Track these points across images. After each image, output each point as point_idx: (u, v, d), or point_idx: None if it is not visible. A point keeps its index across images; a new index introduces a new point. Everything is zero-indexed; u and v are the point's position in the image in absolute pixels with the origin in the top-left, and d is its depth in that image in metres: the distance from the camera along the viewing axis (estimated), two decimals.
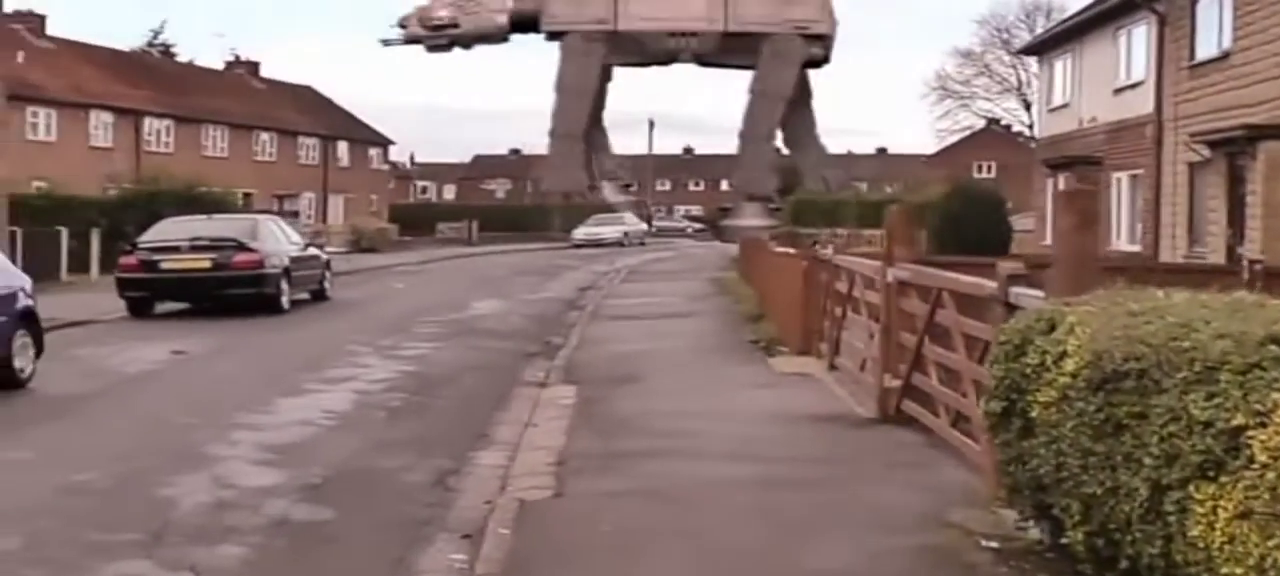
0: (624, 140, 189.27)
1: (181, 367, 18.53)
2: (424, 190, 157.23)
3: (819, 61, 72.72)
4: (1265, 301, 6.71)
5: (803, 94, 72.28)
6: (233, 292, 26.42)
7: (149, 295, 26.74)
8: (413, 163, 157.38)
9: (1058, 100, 36.18)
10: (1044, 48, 38.53)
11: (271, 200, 77.15)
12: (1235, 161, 24.55)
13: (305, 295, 29.87)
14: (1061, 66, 35.79)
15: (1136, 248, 29.57)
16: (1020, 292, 9.06)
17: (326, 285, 31.16)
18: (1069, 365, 6.79)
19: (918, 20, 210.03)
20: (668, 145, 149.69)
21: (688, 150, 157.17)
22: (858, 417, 13.39)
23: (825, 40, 67.85)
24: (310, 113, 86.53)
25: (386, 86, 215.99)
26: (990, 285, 9.69)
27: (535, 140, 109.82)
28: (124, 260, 27.38)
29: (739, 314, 26.05)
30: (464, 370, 18.34)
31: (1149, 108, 28.73)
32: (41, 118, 59.40)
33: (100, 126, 64.66)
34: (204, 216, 28.74)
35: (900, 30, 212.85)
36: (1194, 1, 26.61)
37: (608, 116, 67.30)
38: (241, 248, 26.64)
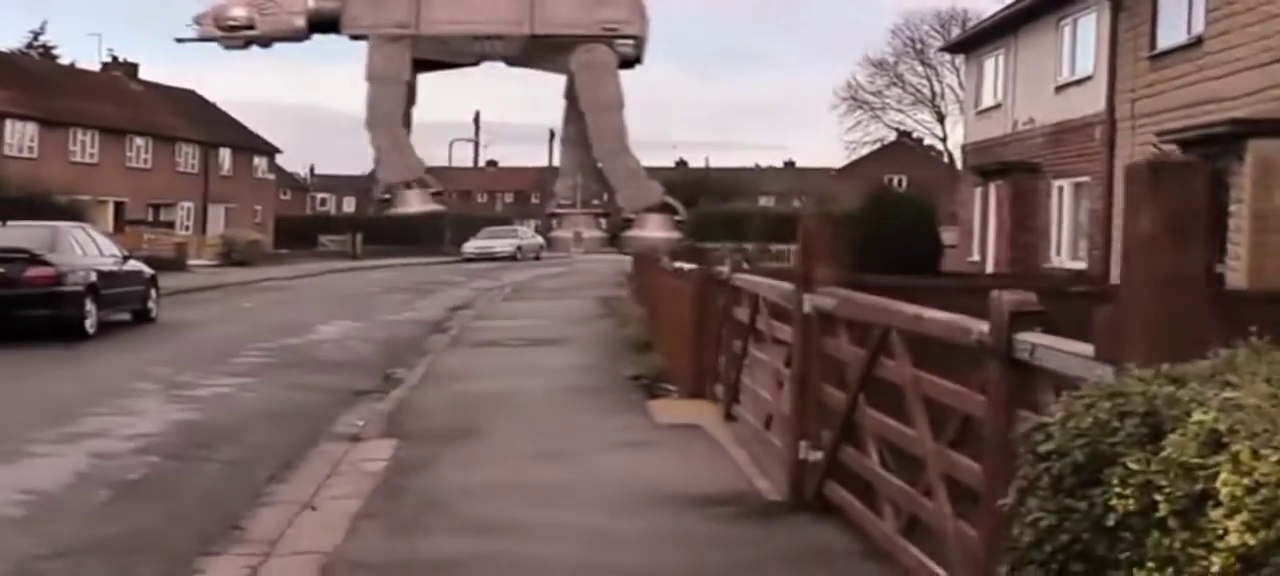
0: (528, 152, 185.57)
1: None
2: (323, 202, 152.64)
3: (632, 62, 70.62)
4: None
5: None
6: (23, 314, 22.07)
7: None
8: (313, 175, 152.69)
9: (987, 101, 32.41)
10: (971, 45, 34.65)
11: (145, 209, 72.84)
12: (1214, 164, 20.86)
13: (126, 316, 25.69)
14: (992, 65, 32.05)
15: (1081, 264, 25.91)
16: (1039, 344, 5.28)
17: (152, 305, 26.84)
18: (1234, 530, 3.07)
19: (828, 33, 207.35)
20: None
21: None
22: (761, 501, 9.62)
23: (638, 41, 65.83)
24: (191, 118, 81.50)
25: (296, 92, 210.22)
26: (978, 327, 5.91)
27: (437, 152, 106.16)
28: None
29: (623, 341, 22.22)
30: (261, 418, 14.31)
31: (1099, 106, 25.02)
32: None
33: None
34: None
35: (808, 43, 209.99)
36: None
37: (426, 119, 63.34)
38: (35, 261, 22.32)
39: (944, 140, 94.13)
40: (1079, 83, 26.47)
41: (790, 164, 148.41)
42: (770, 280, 11.91)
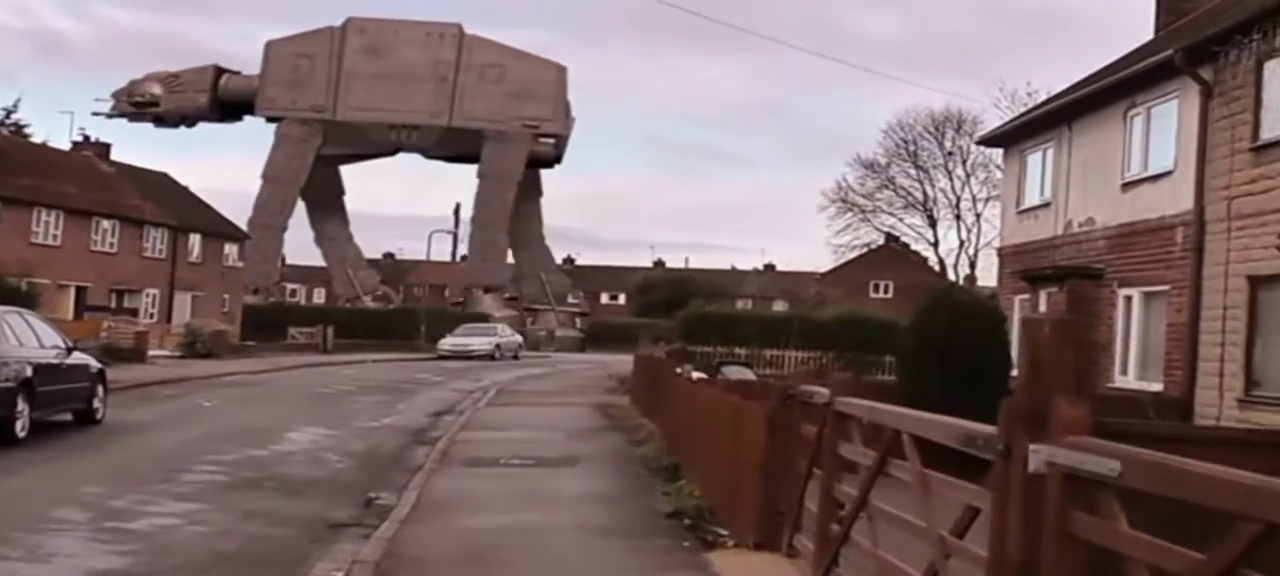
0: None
1: None
2: (294, 293, 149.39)
3: (551, 162, 69.62)
4: None
5: (532, 192, 69.32)
6: None
7: None
8: (283, 264, 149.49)
9: (1032, 200, 29.03)
10: (1012, 138, 31.21)
11: (108, 295, 69.60)
12: None
13: (67, 415, 22.47)
14: (1038, 159, 28.74)
15: (1155, 385, 22.68)
16: None
17: (97, 403, 23.54)
18: None
19: (806, 136, 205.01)
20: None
21: (568, 260, 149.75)
22: None
23: (559, 140, 65.10)
24: (162, 201, 78.08)
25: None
26: None
27: (411, 246, 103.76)
28: None
29: (642, 461, 19.12)
30: (210, 564, 11.09)
31: (1181, 205, 21.81)
32: None
33: None
34: None
35: (786, 145, 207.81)
36: (1261, 62, 19.85)
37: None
38: None
39: (935, 245, 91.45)
40: (1154, 179, 23.27)
41: (770, 266, 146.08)
42: (904, 411, 8.80)
